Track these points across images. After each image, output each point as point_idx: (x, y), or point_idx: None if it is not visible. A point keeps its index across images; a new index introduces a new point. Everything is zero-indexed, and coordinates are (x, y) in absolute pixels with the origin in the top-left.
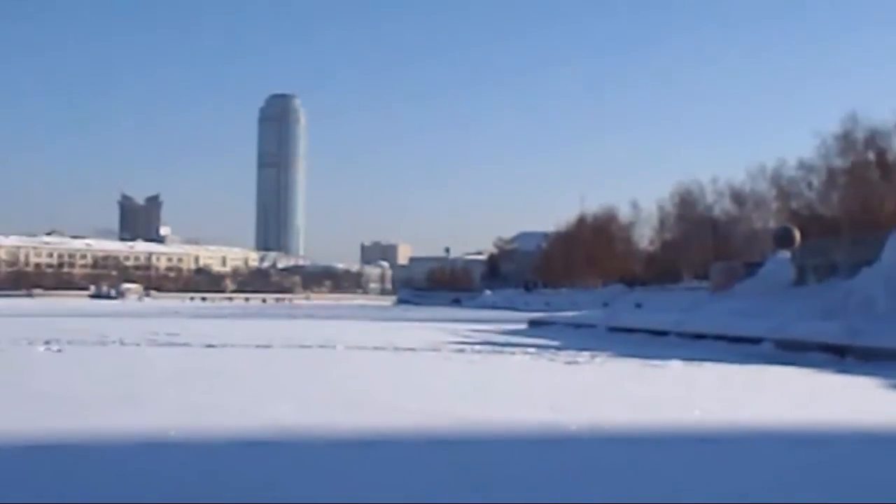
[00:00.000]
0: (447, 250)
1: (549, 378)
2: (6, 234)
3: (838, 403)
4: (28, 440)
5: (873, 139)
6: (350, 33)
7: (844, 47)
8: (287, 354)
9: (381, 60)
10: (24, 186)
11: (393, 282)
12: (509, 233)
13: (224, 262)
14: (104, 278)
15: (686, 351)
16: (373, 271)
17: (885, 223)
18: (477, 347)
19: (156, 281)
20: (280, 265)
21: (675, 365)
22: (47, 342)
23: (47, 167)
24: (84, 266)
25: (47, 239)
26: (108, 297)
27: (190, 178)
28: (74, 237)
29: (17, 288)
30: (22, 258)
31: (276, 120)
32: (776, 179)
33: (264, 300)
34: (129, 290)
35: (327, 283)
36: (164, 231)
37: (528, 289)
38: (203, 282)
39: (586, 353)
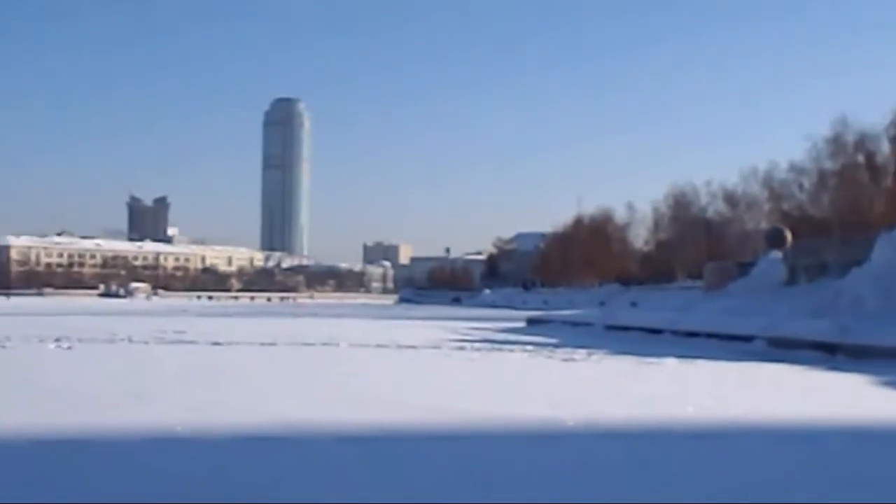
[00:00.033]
0: (447, 250)
1: (547, 375)
2: (18, 235)
3: (829, 400)
4: (40, 435)
5: (863, 142)
6: (352, 39)
7: (835, 53)
8: (291, 352)
9: (382, 65)
10: (35, 188)
11: (395, 281)
12: (508, 233)
13: (230, 262)
14: (113, 277)
15: (680, 349)
16: (375, 271)
17: (875, 224)
18: (477, 345)
19: (163, 280)
20: (284, 265)
21: (670, 362)
22: (58, 340)
23: (58, 170)
24: (93, 266)
25: (58, 239)
26: (117, 295)
27: (197, 179)
28: (84, 237)
29: (28, 287)
30: (33, 258)
31: (280, 123)
32: (768, 181)
33: (269, 299)
34: (137, 289)
35: (331, 282)
36: (171, 231)
37: (526, 288)
38: (209, 281)
39: (583, 351)
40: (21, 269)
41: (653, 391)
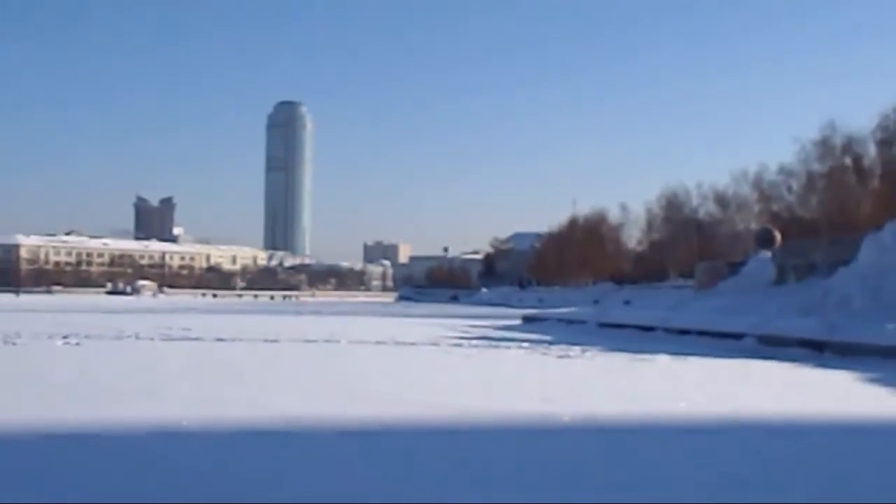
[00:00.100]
0: (446, 250)
1: (543, 371)
2: (28, 234)
3: (817, 396)
4: (49, 429)
5: (850, 145)
6: (354, 45)
7: (823, 59)
8: (294, 348)
9: (382, 70)
10: (45, 189)
11: (394, 280)
12: (505, 233)
13: (234, 261)
14: (120, 276)
15: (672, 346)
16: (375, 270)
17: (861, 225)
18: (474, 342)
19: (169, 278)
20: (287, 264)
21: (662, 359)
22: (66, 336)
23: (67, 171)
24: (101, 264)
25: (66, 238)
26: (124, 293)
27: (202, 181)
28: (92, 237)
29: (37, 285)
30: (42, 257)
31: (283, 126)
32: (758, 183)
33: (272, 297)
34: (143, 287)
35: (332, 280)
36: (177, 231)
37: (522, 287)
38: (214, 279)
39: (578, 348)
40: (31, 267)
41: (646, 387)
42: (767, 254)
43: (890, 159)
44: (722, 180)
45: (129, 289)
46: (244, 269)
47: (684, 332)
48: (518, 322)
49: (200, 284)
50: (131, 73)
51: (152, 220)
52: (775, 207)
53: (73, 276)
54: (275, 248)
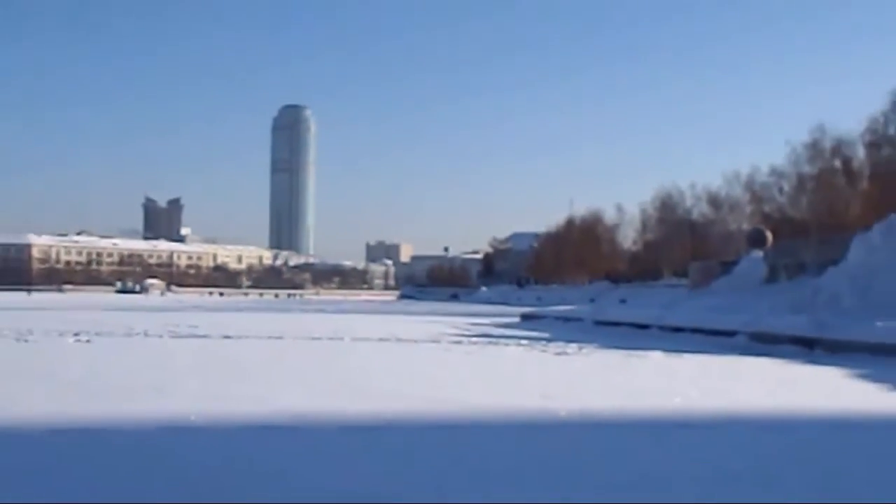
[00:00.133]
0: (446, 249)
1: (541, 368)
2: (39, 234)
3: (807, 391)
4: (60, 425)
5: (839, 148)
6: (355, 49)
7: (813, 63)
8: (298, 345)
9: (384, 73)
10: (56, 190)
11: (396, 278)
12: (504, 233)
13: (240, 260)
14: (129, 275)
15: (667, 343)
16: (377, 269)
17: (850, 226)
18: (474, 339)
19: (177, 277)
20: (292, 263)
21: (657, 356)
22: (77, 334)
23: (78, 173)
24: (111, 263)
25: (77, 238)
26: (133, 291)
27: (209, 182)
28: (102, 237)
29: (49, 283)
30: (54, 256)
31: (287, 129)
32: (750, 185)
33: (277, 295)
34: (152, 285)
35: (335, 279)
36: (184, 231)
37: (520, 285)
38: (221, 278)
39: (575, 345)
40: (42, 266)
41: (641, 383)
42: (759, 253)
43: (878, 161)
44: (715, 181)
45: (138, 287)
46: (250, 269)
47: (678, 329)
48: (517, 320)
49: (207, 283)
50: (141, 78)
51: (160, 220)
52: (767, 208)
53: (84, 275)
54: (280, 247)
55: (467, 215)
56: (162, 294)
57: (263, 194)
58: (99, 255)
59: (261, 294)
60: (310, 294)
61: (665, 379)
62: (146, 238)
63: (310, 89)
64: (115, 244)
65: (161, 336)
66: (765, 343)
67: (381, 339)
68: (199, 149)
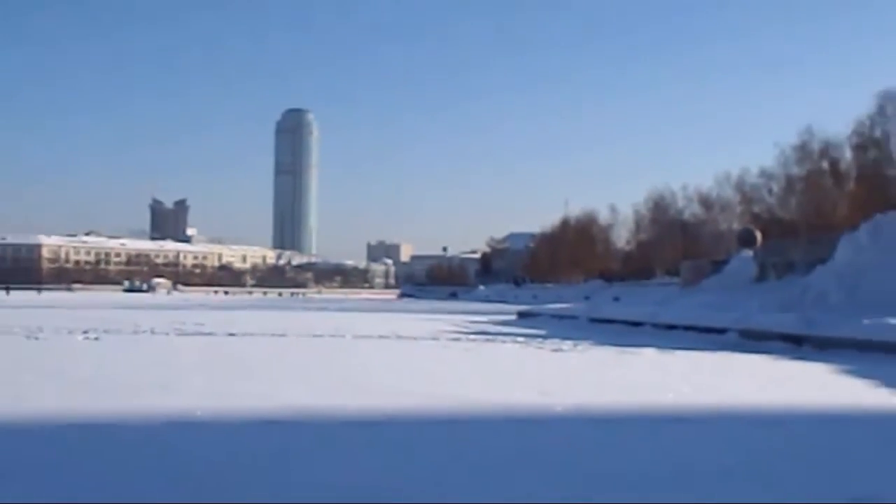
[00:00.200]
0: (445, 249)
1: (538, 364)
2: (49, 234)
3: (796, 387)
4: (70, 420)
5: (827, 150)
6: (356, 56)
7: (802, 68)
8: (301, 343)
9: (384, 78)
10: (66, 192)
11: (396, 277)
12: (501, 233)
13: (244, 260)
14: (137, 274)
15: (659, 340)
16: (378, 268)
17: (838, 226)
18: (472, 336)
19: (183, 276)
20: (294, 262)
21: (650, 352)
22: (86, 331)
23: (87, 175)
24: (119, 263)
25: (86, 239)
26: (140, 290)
27: (214, 184)
28: (110, 237)
29: (58, 282)
30: (63, 256)
31: (291, 132)
32: (740, 186)
33: (280, 294)
34: (159, 284)
35: (337, 278)
36: (190, 232)
37: (517, 284)
38: (225, 277)
39: (570, 342)
40: (52, 266)
41: (635, 379)
42: (749, 253)
43: (864, 163)
44: (706, 183)
45: (145, 286)
46: (254, 268)
47: (671, 326)
48: (513, 317)
49: (213, 282)
50: (147, 84)
51: (167, 221)
52: (756, 209)
53: (93, 274)
54: (283, 247)
55: (466, 216)
56: (168, 293)
57: (267, 196)
58: (107, 254)
59: (264, 293)
60: (312, 293)
61: (658, 375)
62: (153, 238)
63: (312, 94)
64: (122, 244)
65: (167, 334)
66: (755, 340)
67: (381, 337)
68: (204, 152)
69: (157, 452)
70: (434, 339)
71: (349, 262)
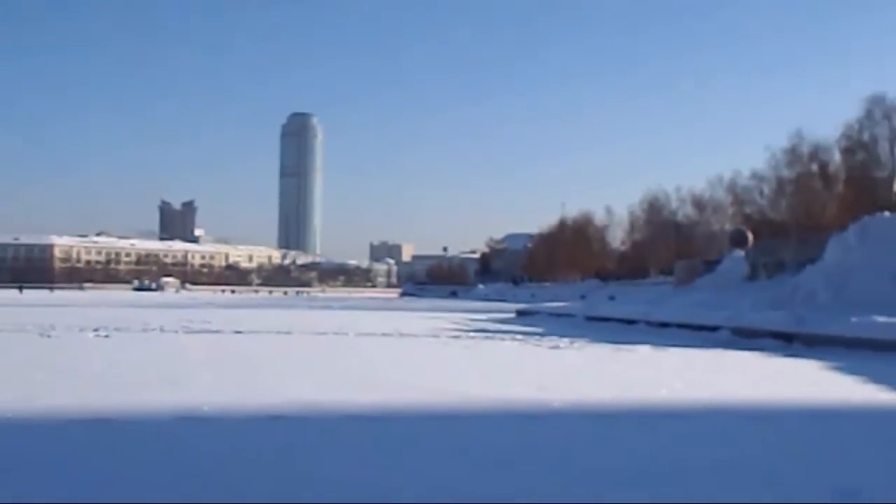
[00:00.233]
0: (445, 249)
1: (535, 361)
2: (61, 235)
3: (787, 383)
4: (82, 415)
5: (816, 153)
6: (359, 61)
7: (792, 73)
8: (306, 340)
9: (387, 84)
10: (77, 193)
11: (398, 277)
12: (500, 234)
13: (251, 260)
14: (146, 273)
15: (653, 337)
16: (380, 267)
17: (827, 227)
18: (472, 334)
19: (191, 276)
20: (299, 262)
21: (644, 349)
22: (97, 329)
23: (98, 177)
24: (128, 263)
25: (97, 239)
26: (150, 289)
27: (221, 185)
28: (120, 238)
29: (70, 282)
30: (74, 256)
31: (295, 135)
32: (732, 188)
33: (285, 293)
34: (167, 283)
35: (340, 277)
36: (198, 232)
37: (515, 283)
38: (232, 276)
39: (567, 339)
40: (64, 265)
41: (630, 375)
42: (741, 253)
43: (853, 166)
44: (699, 185)
45: (154, 285)
46: (260, 267)
47: (664, 324)
48: (512, 316)
49: (220, 281)
50: (157, 88)
51: (175, 221)
52: (748, 210)
53: (103, 273)
54: (288, 247)
55: (465, 217)
56: (177, 292)
57: (273, 197)
58: (117, 254)
59: (270, 291)
60: (316, 291)
61: (652, 371)
62: (162, 239)
63: (316, 98)
64: (132, 244)
65: (176, 331)
66: (746, 337)
67: (384, 334)
68: (212, 155)
69: (165, 446)
70: (435, 336)
71: (352, 262)
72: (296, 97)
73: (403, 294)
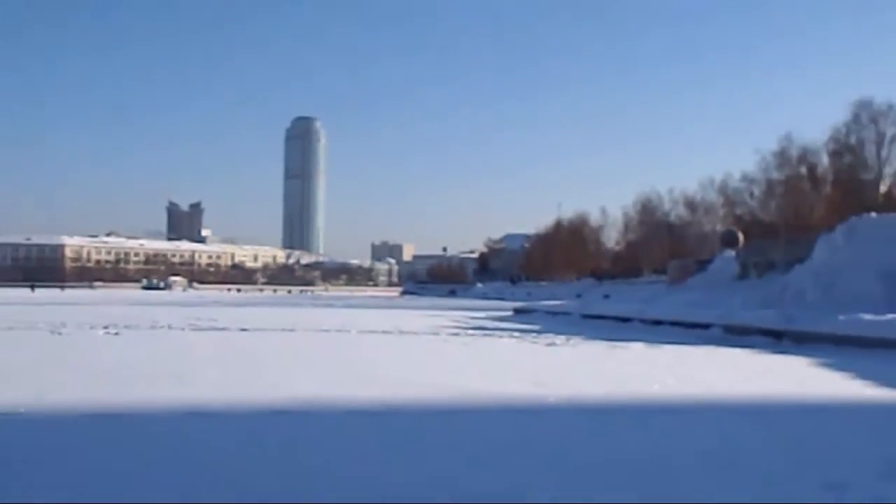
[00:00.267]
0: (445, 249)
1: (532, 357)
2: (72, 235)
3: (776, 379)
4: (92, 410)
5: (805, 156)
6: (362, 66)
7: (782, 78)
8: (309, 337)
9: (388, 88)
10: (88, 195)
11: (399, 276)
12: (498, 234)
13: (256, 259)
14: (154, 272)
15: (647, 335)
16: (382, 267)
17: (815, 227)
18: (470, 331)
19: (198, 275)
20: (303, 262)
21: (638, 346)
22: (106, 327)
23: (108, 179)
24: (137, 262)
25: (106, 239)
26: (158, 288)
27: (227, 187)
28: (129, 238)
29: (80, 280)
30: (85, 255)
31: (299, 139)
32: (723, 189)
33: (290, 291)
34: (175, 282)
35: (343, 276)
36: (205, 232)
37: (513, 282)
38: (238, 276)
39: (563, 337)
40: (74, 265)
41: (624, 371)
42: (732, 253)
43: (840, 168)
44: (691, 186)
45: (162, 284)
46: (265, 267)
47: (658, 322)
48: (510, 314)
49: (226, 280)
50: (165, 92)
51: (183, 222)
52: (738, 211)
53: (113, 272)
54: (292, 247)
55: (465, 218)
56: (184, 290)
57: (277, 199)
58: (126, 254)
59: (275, 290)
60: (320, 290)
61: (646, 367)
62: (170, 239)
63: (320, 102)
64: (141, 244)
65: (183, 329)
66: (737, 335)
67: (385, 332)
68: (218, 157)
69: (173, 441)
70: (434, 333)
71: (354, 262)
72: (299, 102)
73: (404, 293)
